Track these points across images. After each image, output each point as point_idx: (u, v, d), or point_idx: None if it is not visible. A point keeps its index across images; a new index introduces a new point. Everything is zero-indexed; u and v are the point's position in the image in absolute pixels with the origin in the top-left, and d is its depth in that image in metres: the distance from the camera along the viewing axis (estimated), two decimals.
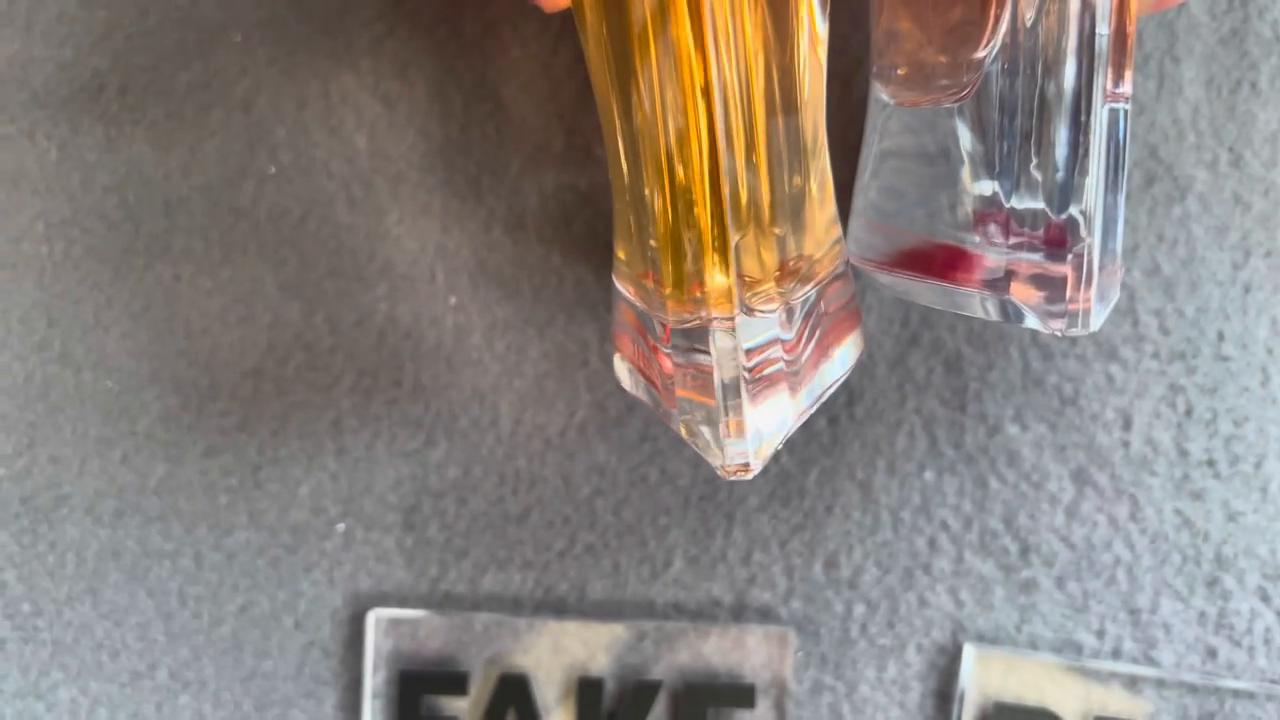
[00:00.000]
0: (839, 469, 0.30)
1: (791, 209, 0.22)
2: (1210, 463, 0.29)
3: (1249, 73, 0.28)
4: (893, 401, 0.29)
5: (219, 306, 0.30)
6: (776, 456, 0.30)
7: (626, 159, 0.21)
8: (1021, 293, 0.22)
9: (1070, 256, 0.21)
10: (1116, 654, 0.30)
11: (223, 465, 0.30)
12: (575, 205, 0.29)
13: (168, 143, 0.30)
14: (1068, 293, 0.21)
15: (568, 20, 0.29)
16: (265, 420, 0.30)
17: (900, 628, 0.30)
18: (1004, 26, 0.20)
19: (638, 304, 0.23)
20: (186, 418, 0.30)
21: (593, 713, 0.29)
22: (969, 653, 0.29)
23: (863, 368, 0.29)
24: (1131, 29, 0.21)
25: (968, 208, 0.22)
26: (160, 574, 0.31)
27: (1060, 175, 0.21)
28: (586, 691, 0.29)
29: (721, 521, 0.30)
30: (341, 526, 0.30)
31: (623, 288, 0.23)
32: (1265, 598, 0.29)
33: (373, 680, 0.30)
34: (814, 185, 0.23)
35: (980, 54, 0.21)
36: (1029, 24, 0.20)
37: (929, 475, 0.30)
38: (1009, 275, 0.22)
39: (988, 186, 0.22)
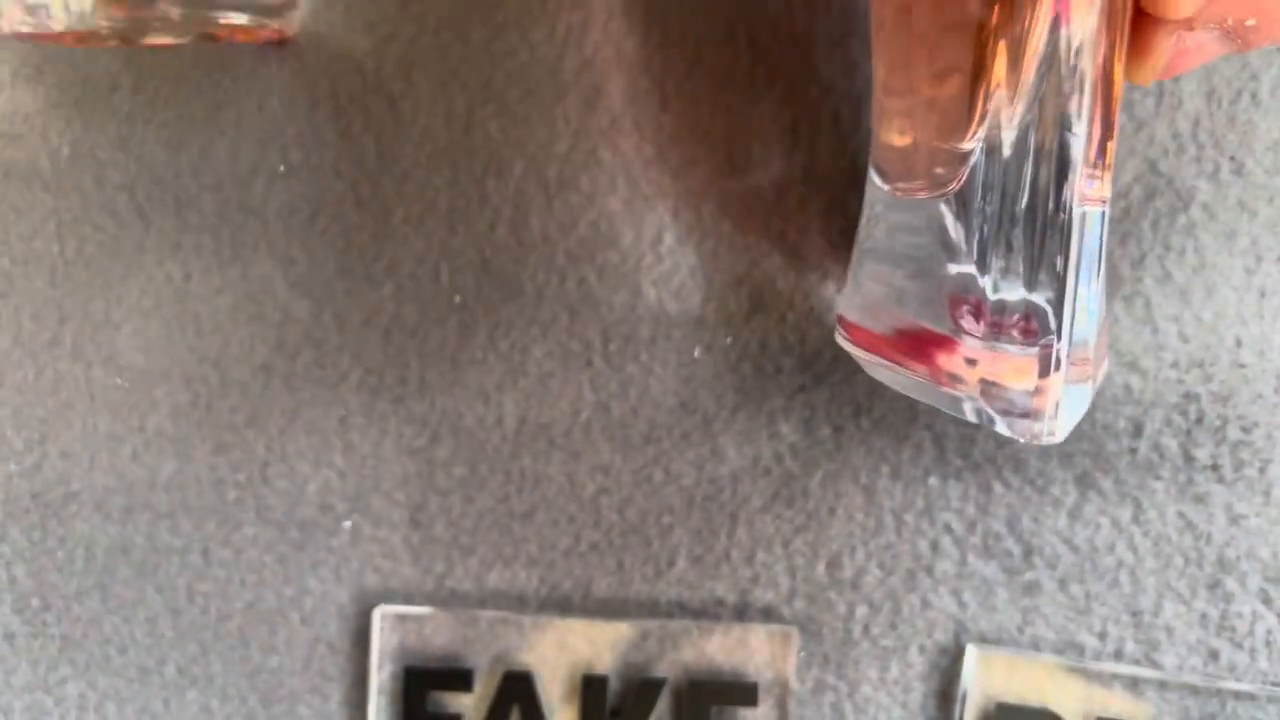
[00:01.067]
0: (843, 473, 0.30)
1: None
2: (1215, 467, 0.29)
3: (1250, 83, 0.28)
4: (903, 419, 0.30)
5: (229, 304, 0.30)
6: (779, 459, 0.30)
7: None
8: (991, 375, 0.22)
9: (1038, 349, 0.21)
10: (1118, 656, 0.30)
11: (231, 462, 0.31)
12: (579, 206, 0.29)
13: (179, 142, 0.30)
14: (1034, 383, 0.21)
15: (574, 27, 0.29)
16: (273, 417, 0.30)
17: (903, 628, 0.30)
18: (989, 119, 0.21)
19: None
20: (195, 415, 0.30)
21: (597, 710, 0.30)
22: (971, 653, 0.30)
23: (871, 385, 0.30)
24: (1113, 134, 0.21)
25: (947, 293, 0.23)
26: (169, 570, 0.31)
27: (1031, 270, 0.21)
28: (591, 689, 0.30)
29: (725, 521, 0.30)
30: (349, 523, 0.31)
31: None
32: (1267, 600, 0.29)
33: (378, 676, 0.30)
34: None
35: (967, 145, 0.21)
36: (1015, 119, 0.20)
37: (933, 480, 0.30)
38: (979, 363, 0.22)
39: (967, 273, 0.22)
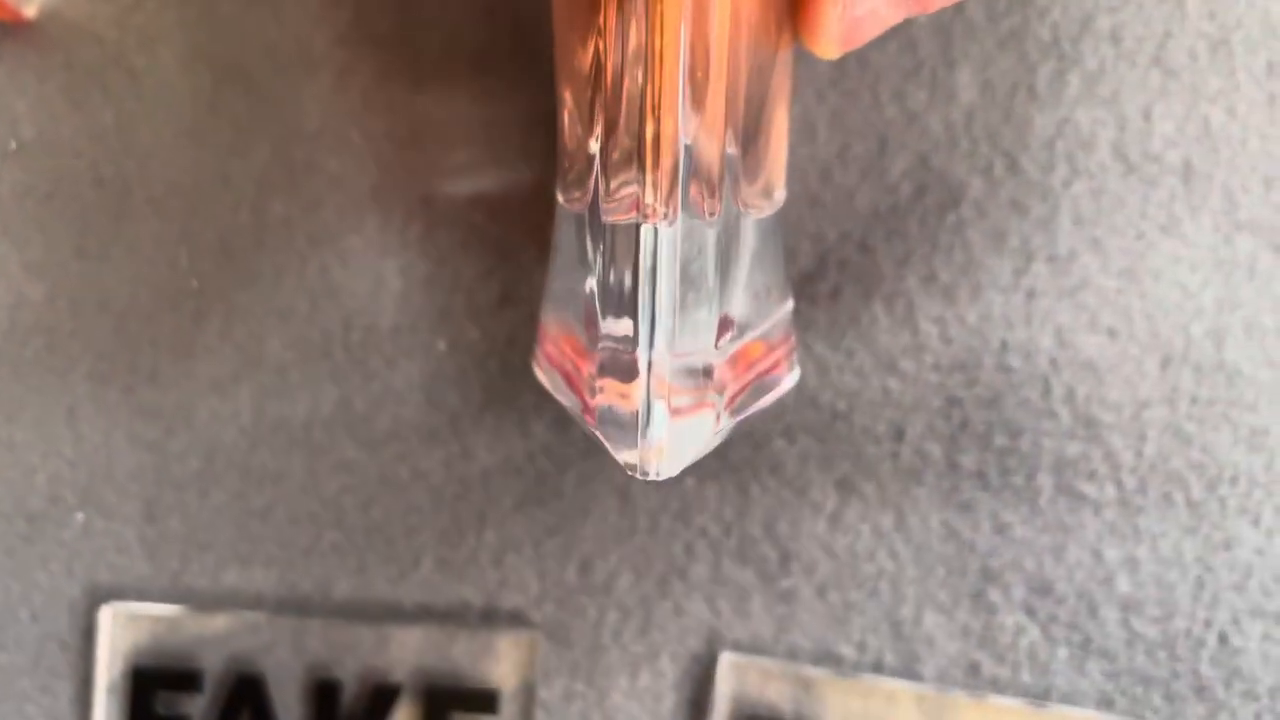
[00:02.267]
0: (597, 473, 0.29)
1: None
2: (980, 474, 0.28)
3: (1026, 76, 0.27)
4: None
5: None
6: (531, 458, 0.29)
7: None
8: (602, 398, 0.21)
9: (622, 366, 0.20)
10: (877, 667, 0.29)
11: None
12: (324, 189, 0.28)
13: None
14: (626, 399, 0.20)
15: (327, 2, 0.28)
16: (1, 403, 0.29)
17: (654, 635, 0.29)
18: (606, 122, 0.19)
19: None
20: None
21: (328, 716, 0.28)
22: (724, 661, 0.29)
23: None
24: (668, 144, 0.19)
25: (584, 304, 0.22)
26: None
27: (614, 283, 0.20)
28: (322, 694, 0.29)
29: (474, 522, 0.29)
30: (80, 516, 0.29)
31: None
32: (1031, 612, 0.29)
33: (108, 675, 0.29)
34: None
35: (591, 149, 0.20)
36: (620, 125, 0.19)
37: (689, 481, 0.29)
38: (598, 376, 0.21)
39: (590, 289, 0.21)
